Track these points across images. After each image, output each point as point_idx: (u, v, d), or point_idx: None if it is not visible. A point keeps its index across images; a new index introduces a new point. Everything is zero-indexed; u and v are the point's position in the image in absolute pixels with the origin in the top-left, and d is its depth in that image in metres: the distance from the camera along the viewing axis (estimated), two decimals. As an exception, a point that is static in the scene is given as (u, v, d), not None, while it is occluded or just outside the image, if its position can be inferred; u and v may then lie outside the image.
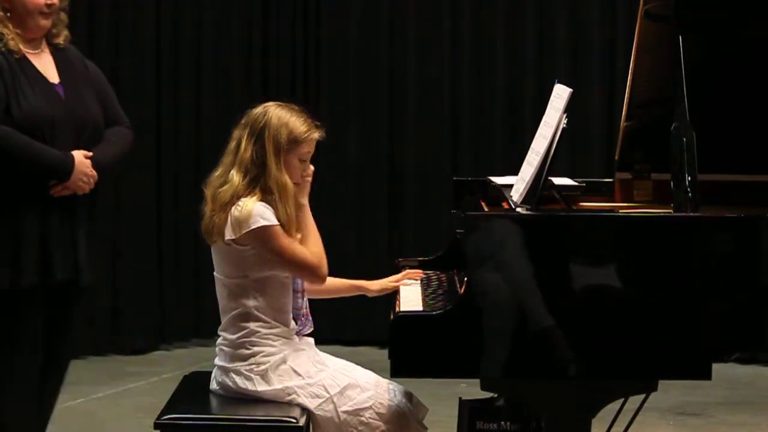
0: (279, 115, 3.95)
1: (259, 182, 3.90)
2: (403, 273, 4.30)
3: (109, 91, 4.48)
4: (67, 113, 4.26)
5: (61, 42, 4.37)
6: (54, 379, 4.50)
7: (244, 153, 3.91)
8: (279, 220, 3.88)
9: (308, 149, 3.98)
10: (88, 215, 4.37)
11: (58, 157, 4.18)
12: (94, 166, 4.27)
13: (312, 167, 4.03)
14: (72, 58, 4.39)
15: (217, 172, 3.97)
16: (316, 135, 3.98)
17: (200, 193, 4.03)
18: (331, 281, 4.22)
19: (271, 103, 4.00)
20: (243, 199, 3.88)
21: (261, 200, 3.89)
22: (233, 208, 3.87)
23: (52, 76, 4.30)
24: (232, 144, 3.96)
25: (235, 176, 3.90)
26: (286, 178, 3.92)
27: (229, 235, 3.87)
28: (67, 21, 4.39)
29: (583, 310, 3.59)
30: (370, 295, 4.19)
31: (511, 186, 4.10)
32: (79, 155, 4.24)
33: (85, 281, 4.34)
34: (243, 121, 3.98)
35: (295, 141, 3.94)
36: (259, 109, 3.97)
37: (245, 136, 3.93)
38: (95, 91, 4.39)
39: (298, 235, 3.97)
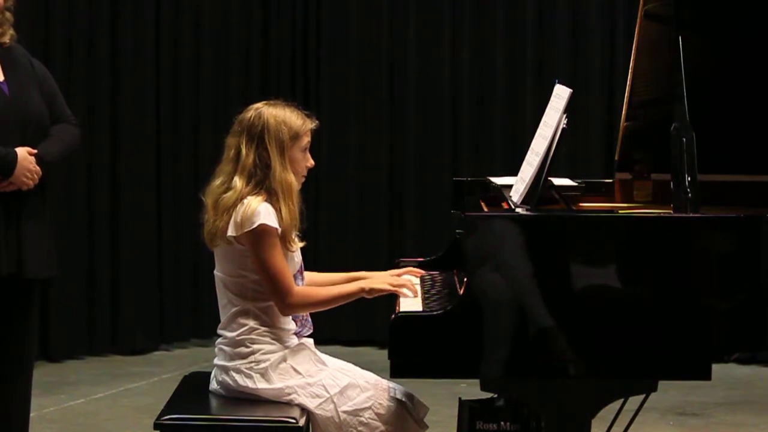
0: (274, 114, 3.96)
1: (263, 185, 3.91)
2: (405, 269, 4.30)
3: (54, 89, 4.51)
4: (12, 110, 4.31)
5: (7, 41, 4.40)
6: (18, 380, 4.46)
7: (246, 159, 3.91)
8: (282, 224, 3.88)
9: (307, 139, 4.00)
10: (36, 209, 4.38)
11: (0, 153, 4.22)
12: (39, 162, 4.31)
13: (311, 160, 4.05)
14: (18, 56, 4.43)
15: (218, 181, 3.97)
16: (311, 125, 4.01)
17: (200, 191, 4.03)
18: (328, 276, 4.22)
19: (260, 105, 4.00)
20: (249, 198, 3.89)
21: (266, 201, 3.89)
22: (238, 206, 3.87)
23: None
24: (231, 152, 3.96)
25: (239, 182, 3.91)
26: (291, 177, 3.93)
27: (231, 232, 3.88)
28: (12, 20, 4.42)
29: (583, 311, 3.59)
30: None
31: (511, 186, 4.10)
32: (22, 152, 4.28)
33: (30, 273, 4.35)
34: (237, 128, 3.98)
35: (296, 136, 3.96)
36: (251, 113, 3.97)
37: (244, 142, 3.94)
38: (41, 89, 4.42)
39: (298, 244, 3.97)
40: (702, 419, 6.10)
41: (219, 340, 4.02)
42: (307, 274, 4.15)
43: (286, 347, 3.96)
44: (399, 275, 4.22)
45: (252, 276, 3.92)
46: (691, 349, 3.62)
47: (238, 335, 3.94)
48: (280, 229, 3.88)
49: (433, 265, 4.45)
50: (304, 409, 3.88)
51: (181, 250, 7.53)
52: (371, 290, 3.99)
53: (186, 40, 7.57)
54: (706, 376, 3.64)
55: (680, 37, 3.86)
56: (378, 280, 4.06)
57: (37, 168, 4.31)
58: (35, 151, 4.31)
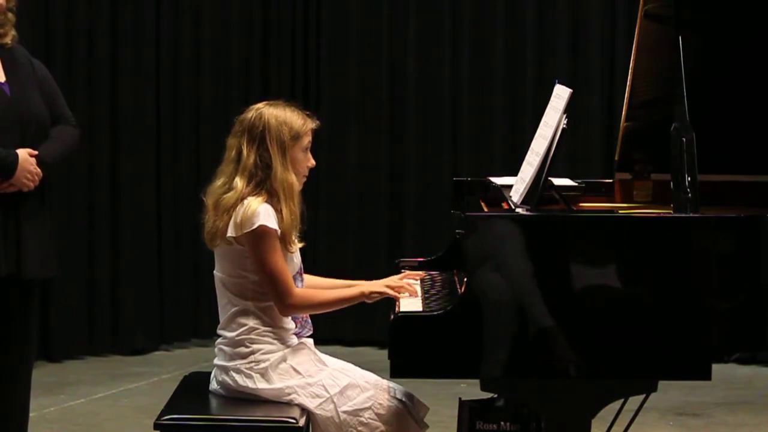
0: (275, 114, 3.95)
1: (264, 185, 3.91)
2: (403, 274, 4.30)
3: (55, 90, 4.52)
4: (12, 111, 4.32)
5: (8, 42, 4.41)
6: (18, 380, 4.47)
7: (247, 160, 3.91)
8: (282, 225, 3.88)
9: (308, 139, 4.00)
10: (36, 210, 4.39)
11: (1, 155, 4.23)
12: (39, 163, 4.31)
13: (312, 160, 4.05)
14: (19, 57, 4.44)
15: (219, 182, 3.97)
16: (312, 124, 4.01)
17: (200, 191, 4.03)
18: (327, 282, 4.22)
19: (260, 105, 4.00)
20: (249, 198, 3.88)
21: (266, 202, 3.89)
22: (238, 206, 3.87)
23: None
24: (232, 153, 3.96)
25: (239, 183, 3.91)
26: (292, 177, 3.93)
27: (230, 232, 3.88)
28: (14, 21, 4.42)
29: (583, 311, 3.59)
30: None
31: (511, 186, 4.10)
32: (23, 153, 4.28)
33: (29, 273, 4.36)
34: (238, 129, 3.97)
35: (296, 136, 3.96)
36: (251, 114, 3.97)
37: (245, 143, 3.93)
38: (41, 90, 4.43)
39: (298, 244, 3.97)
40: (702, 419, 6.10)
41: (219, 340, 4.02)
42: (306, 278, 4.15)
43: (286, 347, 3.96)
44: (399, 280, 4.22)
45: (252, 276, 3.92)
46: (691, 349, 3.62)
47: (237, 335, 3.94)
48: (279, 231, 3.88)
49: (433, 265, 4.45)
50: (304, 409, 3.88)
51: (181, 250, 7.53)
52: (371, 294, 3.99)
53: (186, 40, 7.57)
54: (706, 376, 3.64)
55: (680, 37, 3.86)
56: (377, 283, 4.05)
57: (38, 170, 4.31)
58: (36, 152, 4.32)
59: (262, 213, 3.86)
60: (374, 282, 4.08)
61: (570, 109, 3.82)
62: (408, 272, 4.32)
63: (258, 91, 7.49)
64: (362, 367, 4.06)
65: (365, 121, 7.69)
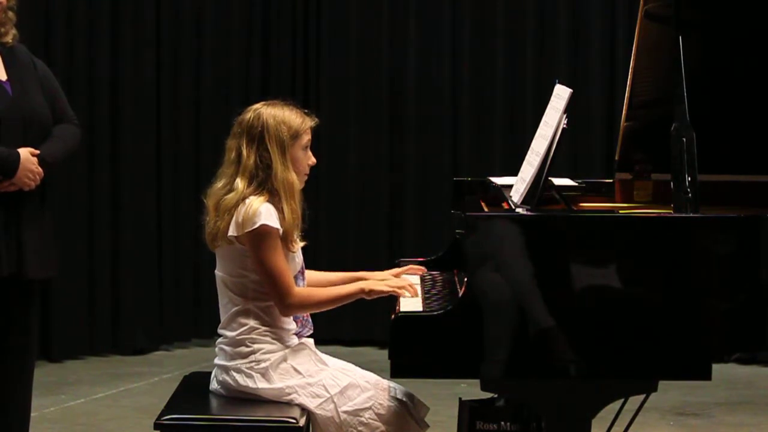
0: (273, 114, 3.96)
1: (265, 185, 3.91)
2: (406, 267, 4.30)
3: (57, 89, 4.53)
4: (14, 110, 4.33)
5: (9, 41, 4.42)
6: (19, 380, 4.47)
7: (247, 160, 3.91)
8: (284, 224, 3.88)
9: (308, 137, 4.00)
10: (37, 210, 4.39)
11: (3, 154, 4.22)
12: (41, 163, 4.32)
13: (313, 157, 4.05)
14: (20, 56, 4.44)
15: (220, 183, 3.97)
16: (311, 122, 4.01)
17: (200, 190, 4.03)
18: (327, 275, 4.22)
19: (258, 105, 4.00)
20: (251, 198, 3.89)
21: (268, 201, 3.89)
22: (240, 206, 3.87)
23: (0, 73, 4.34)
24: (232, 154, 3.96)
25: (240, 184, 3.91)
26: (293, 177, 3.93)
27: (232, 231, 3.88)
28: (15, 20, 4.43)
29: (583, 311, 3.59)
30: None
31: (511, 186, 4.10)
32: (25, 152, 4.29)
33: (30, 273, 4.36)
34: (237, 130, 3.97)
35: (296, 134, 3.96)
36: (250, 115, 3.97)
37: (244, 144, 3.94)
38: (43, 88, 4.43)
39: (299, 243, 3.97)
40: (702, 419, 6.10)
41: (219, 339, 4.02)
42: (307, 273, 4.15)
43: (287, 347, 3.96)
44: (399, 274, 4.22)
45: (253, 276, 3.92)
46: (691, 349, 3.62)
47: (238, 335, 3.95)
48: (281, 230, 3.89)
49: (433, 265, 4.45)
50: (304, 409, 3.89)
51: (181, 251, 7.53)
52: (371, 291, 4.00)
53: (186, 40, 7.57)
54: (706, 376, 3.64)
55: (680, 37, 3.86)
56: (378, 281, 4.06)
57: (39, 169, 4.31)
58: (38, 152, 4.32)
59: (263, 212, 3.86)
60: (375, 280, 4.08)
61: (570, 109, 3.82)
62: (411, 266, 4.32)
63: (258, 91, 7.49)
64: (362, 367, 4.06)
65: (365, 121, 7.69)
